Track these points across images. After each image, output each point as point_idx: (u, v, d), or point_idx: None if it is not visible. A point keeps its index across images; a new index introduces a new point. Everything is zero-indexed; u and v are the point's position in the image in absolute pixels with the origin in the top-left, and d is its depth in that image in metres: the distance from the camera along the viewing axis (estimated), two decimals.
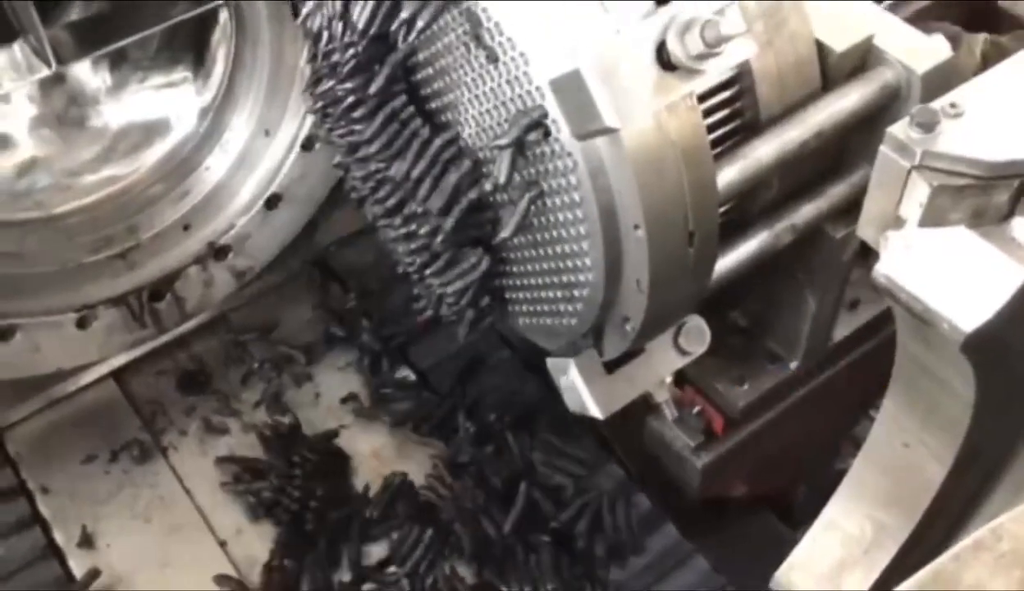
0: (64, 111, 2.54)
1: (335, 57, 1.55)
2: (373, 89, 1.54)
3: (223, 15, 2.45)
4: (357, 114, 1.58)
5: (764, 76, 1.53)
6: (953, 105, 1.25)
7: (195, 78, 2.58)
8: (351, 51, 1.51)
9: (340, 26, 1.53)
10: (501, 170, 1.42)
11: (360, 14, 1.49)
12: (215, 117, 2.54)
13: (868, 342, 2.06)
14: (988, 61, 2.01)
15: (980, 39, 2.03)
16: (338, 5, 1.53)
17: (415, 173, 1.56)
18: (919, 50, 1.57)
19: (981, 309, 1.21)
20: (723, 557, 2.31)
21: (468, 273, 1.63)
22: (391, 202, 1.63)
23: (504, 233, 1.50)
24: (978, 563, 0.86)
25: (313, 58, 1.62)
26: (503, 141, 1.41)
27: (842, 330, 2.00)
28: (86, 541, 2.35)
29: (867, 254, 1.51)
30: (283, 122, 2.47)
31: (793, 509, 2.53)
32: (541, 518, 2.26)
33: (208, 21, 2.48)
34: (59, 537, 2.36)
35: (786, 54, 1.53)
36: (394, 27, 1.47)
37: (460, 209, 1.55)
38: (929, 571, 0.90)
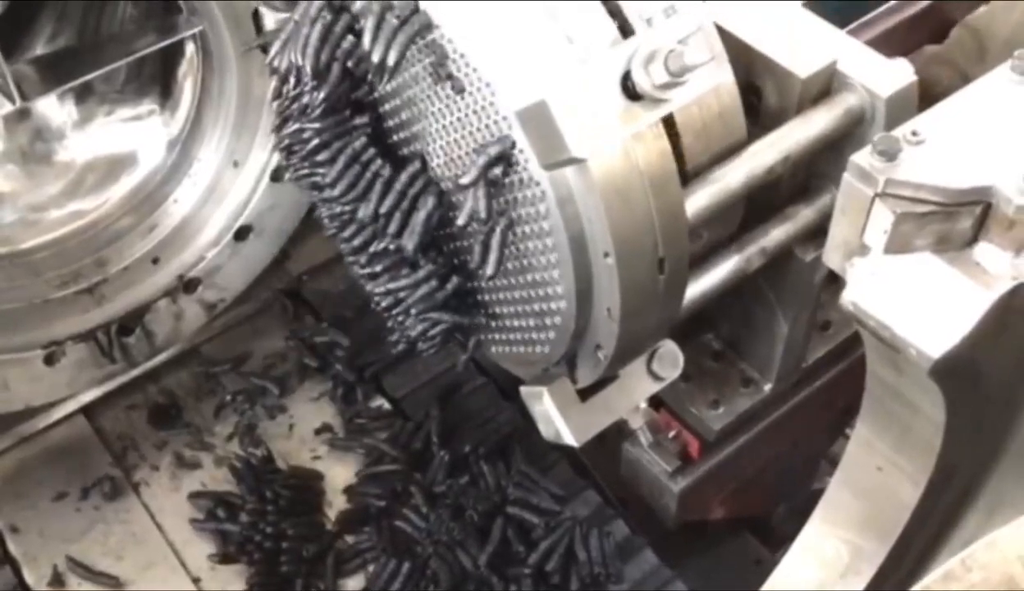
0: (29, 146, 2.51)
1: (304, 99, 1.53)
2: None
3: (189, 47, 2.44)
4: (320, 157, 1.57)
5: (688, 128, 1.52)
6: (914, 132, 1.26)
7: (162, 110, 2.56)
8: (322, 93, 1.50)
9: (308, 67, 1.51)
10: (479, 206, 1.41)
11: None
12: (183, 149, 2.53)
13: (841, 363, 2.07)
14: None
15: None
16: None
17: (383, 209, 1.55)
18: (883, 74, 1.59)
19: (948, 335, 1.22)
20: (702, 582, 2.30)
21: (438, 322, 1.62)
22: (357, 242, 1.62)
23: (488, 271, 1.49)
24: None
25: (278, 97, 1.60)
26: (467, 179, 1.40)
27: (815, 352, 2.01)
28: (57, 580, 2.31)
29: (837, 277, 1.52)
30: (252, 153, 2.46)
31: (772, 529, 2.53)
32: (518, 551, 2.24)
33: (175, 53, 2.47)
34: (29, 577, 2.32)
35: (710, 106, 1.52)
36: (371, 73, 1.46)
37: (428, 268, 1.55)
38: None
